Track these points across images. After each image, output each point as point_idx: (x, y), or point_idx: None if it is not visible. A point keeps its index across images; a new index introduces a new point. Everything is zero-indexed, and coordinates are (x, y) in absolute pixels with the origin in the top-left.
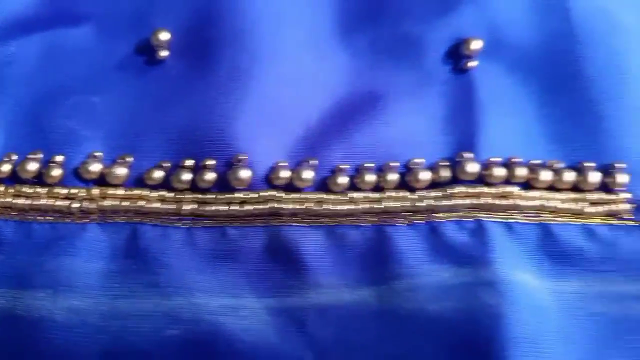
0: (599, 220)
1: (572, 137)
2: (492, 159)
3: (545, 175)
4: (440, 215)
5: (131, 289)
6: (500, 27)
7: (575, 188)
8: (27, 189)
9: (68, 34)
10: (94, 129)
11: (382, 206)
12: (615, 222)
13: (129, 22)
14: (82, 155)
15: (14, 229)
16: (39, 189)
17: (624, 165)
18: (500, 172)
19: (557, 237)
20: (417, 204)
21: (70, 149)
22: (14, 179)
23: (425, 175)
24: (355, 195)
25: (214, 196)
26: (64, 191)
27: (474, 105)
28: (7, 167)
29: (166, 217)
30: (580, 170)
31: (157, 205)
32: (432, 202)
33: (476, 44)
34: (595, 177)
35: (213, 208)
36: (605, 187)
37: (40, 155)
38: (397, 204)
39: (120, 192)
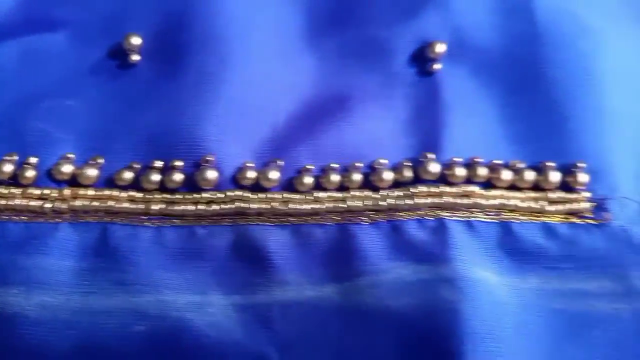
0: (559, 219)
1: (534, 138)
2: (454, 159)
3: (507, 175)
4: (403, 214)
5: (100, 286)
6: (464, 30)
7: (536, 187)
8: (2, 190)
9: (43, 40)
10: (68, 131)
11: (346, 205)
12: (575, 220)
13: (102, 28)
14: (55, 156)
15: None
16: (13, 190)
17: (584, 165)
18: (461, 172)
19: (517, 235)
20: (380, 203)
21: (44, 150)
22: None
23: (388, 175)
24: (320, 194)
25: (181, 196)
26: (37, 192)
27: (438, 107)
28: None
29: (135, 217)
30: (541, 169)
31: (127, 205)
32: (394, 201)
33: (440, 47)
34: (555, 176)
35: (181, 208)
36: (566, 187)
37: (16, 157)
38: (361, 203)
39: (91, 192)
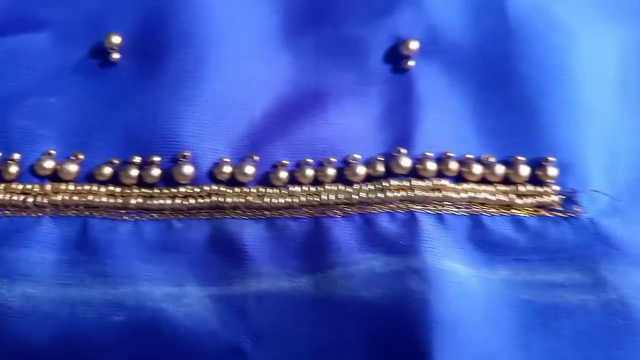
0: (528, 212)
1: (506, 132)
2: (426, 154)
3: (477, 169)
4: (375, 207)
5: (80, 277)
6: (437, 28)
7: (507, 181)
8: None
9: (27, 40)
10: (50, 128)
11: (320, 199)
12: (544, 213)
13: (84, 28)
14: (38, 153)
15: None
16: None
17: (554, 159)
18: (432, 166)
19: (487, 228)
20: (353, 196)
21: (27, 147)
22: None
23: (361, 170)
24: (295, 189)
25: (159, 191)
26: (20, 187)
27: (412, 103)
28: None
29: (114, 211)
30: (511, 163)
31: (106, 199)
32: (367, 195)
33: (414, 45)
34: (525, 170)
35: (159, 202)
36: (536, 180)
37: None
38: (334, 197)
39: (72, 187)
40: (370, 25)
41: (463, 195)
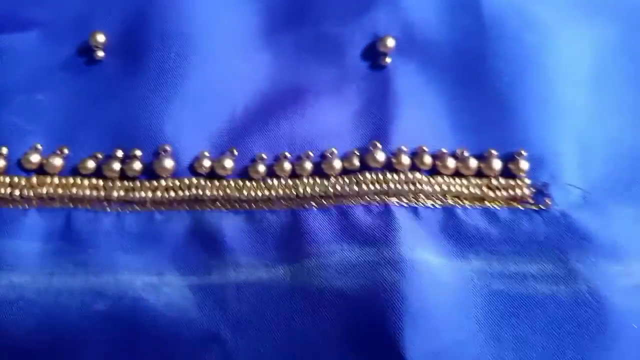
0: (501, 204)
1: (480, 127)
2: (401, 148)
3: (451, 162)
4: (350, 199)
5: (64, 267)
6: (414, 26)
7: (480, 174)
8: None
9: (15, 38)
10: (37, 124)
11: (297, 192)
12: (516, 205)
13: (71, 27)
14: (25, 147)
15: None
16: None
17: (526, 153)
18: (407, 160)
19: (460, 220)
20: (329, 189)
21: (15, 141)
22: None
23: (338, 164)
24: (273, 182)
25: (140, 184)
26: (7, 180)
27: (389, 99)
28: None
29: (98, 203)
30: (484, 157)
31: (89, 192)
32: (342, 188)
33: (391, 42)
34: (498, 163)
35: (140, 194)
36: (508, 173)
37: None
38: (310, 190)
39: (56, 180)
40: (348, 24)
41: (437, 188)
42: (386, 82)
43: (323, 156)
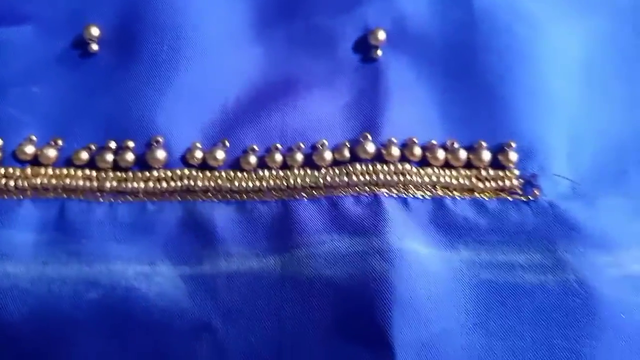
0: (490, 195)
1: (470, 119)
2: (391, 139)
3: (441, 154)
4: (340, 190)
5: (57, 256)
6: (405, 18)
7: (469, 165)
8: None
9: (11, 32)
10: (32, 116)
11: (288, 183)
12: (505, 196)
13: (65, 21)
14: (20, 138)
15: None
16: None
17: (515, 144)
18: (396, 151)
19: (449, 210)
20: (320, 180)
21: (10, 133)
22: None
23: (328, 155)
24: (264, 173)
25: (133, 174)
26: (2, 171)
27: (380, 91)
28: None
29: (91, 193)
30: (474, 148)
31: (83, 182)
32: (333, 178)
33: (382, 35)
34: (487, 155)
35: (133, 185)
36: (497, 164)
37: None
38: (301, 181)
39: (50, 171)
40: (339, 16)
41: (426, 179)
42: (377, 74)
43: (314, 147)
